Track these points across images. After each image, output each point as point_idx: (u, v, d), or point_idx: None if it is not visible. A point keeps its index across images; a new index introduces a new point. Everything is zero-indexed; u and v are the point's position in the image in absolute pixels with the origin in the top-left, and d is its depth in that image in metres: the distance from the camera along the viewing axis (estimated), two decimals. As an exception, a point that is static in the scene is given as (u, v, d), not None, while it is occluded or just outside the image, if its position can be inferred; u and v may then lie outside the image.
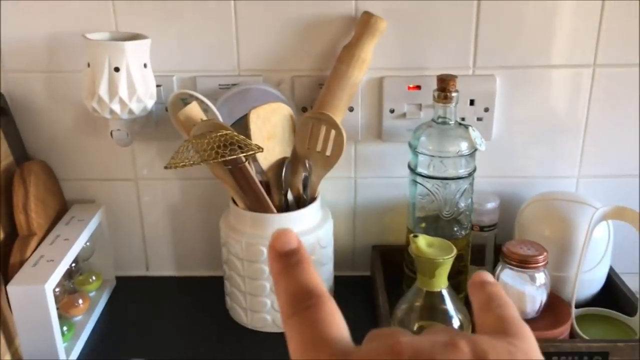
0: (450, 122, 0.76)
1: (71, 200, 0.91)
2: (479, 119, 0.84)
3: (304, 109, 0.85)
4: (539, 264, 0.72)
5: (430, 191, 0.77)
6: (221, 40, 0.82)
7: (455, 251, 0.68)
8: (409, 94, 0.83)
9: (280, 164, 0.78)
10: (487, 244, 0.85)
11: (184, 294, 0.92)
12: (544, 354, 0.32)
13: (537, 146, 0.87)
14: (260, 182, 0.76)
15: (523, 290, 0.73)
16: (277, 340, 0.80)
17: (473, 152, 0.76)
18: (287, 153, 0.79)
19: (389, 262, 0.88)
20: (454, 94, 0.75)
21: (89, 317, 0.83)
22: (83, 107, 0.78)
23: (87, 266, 0.89)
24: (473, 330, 0.73)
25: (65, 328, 0.77)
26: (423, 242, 0.69)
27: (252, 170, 0.75)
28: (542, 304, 0.74)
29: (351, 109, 0.84)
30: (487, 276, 0.31)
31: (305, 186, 0.80)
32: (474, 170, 0.78)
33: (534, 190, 0.86)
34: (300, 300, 0.26)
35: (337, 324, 0.26)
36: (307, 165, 0.78)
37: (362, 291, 0.89)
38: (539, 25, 0.80)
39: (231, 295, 0.83)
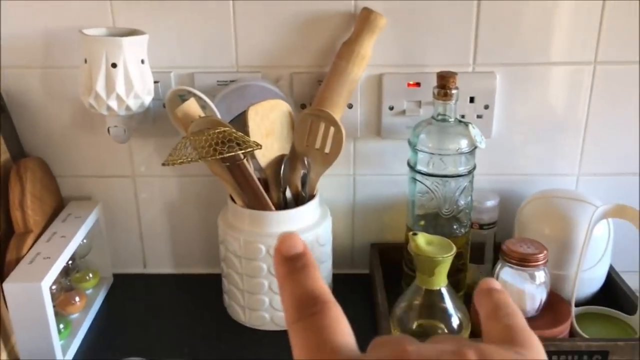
0: (450, 120, 0.76)
1: (68, 197, 0.90)
2: (479, 117, 0.84)
3: (303, 106, 0.84)
4: (539, 262, 0.71)
5: (429, 189, 0.77)
6: (219, 36, 0.81)
7: (454, 249, 0.67)
8: (409, 91, 0.83)
9: (278, 161, 0.78)
10: (487, 242, 0.85)
11: (182, 291, 0.92)
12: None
13: (537, 144, 0.87)
14: (259, 179, 0.76)
15: (523, 288, 0.72)
16: (275, 338, 0.79)
17: (473, 149, 0.76)
18: (286, 150, 0.79)
19: (388, 260, 0.87)
20: (453, 91, 0.74)
21: (85, 314, 0.83)
22: (80, 103, 0.77)
23: (84, 263, 0.89)
24: (472, 329, 0.73)
25: (61, 326, 0.77)
26: (422, 240, 0.68)
27: (250, 168, 0.75)
28: (542, 303, 0.73)
29: (350, 106, 0.84)
30: (494, 283, 0.31)
31: (303, 183, 0.80)
32: (474, 167, 0.77)
33: (534, 188, 0.86)
34: (305, 305, 0.26)
35: (343, 331, 0.26)
36: (306, 162, 0.78)
37: (361, 289, 0.89)
38: (540, 22, 0.80)
39: (229, 293, 0.82)
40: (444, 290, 0.69)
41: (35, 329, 0.70)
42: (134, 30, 0.77)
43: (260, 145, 0.72)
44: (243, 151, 0.71)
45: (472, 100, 0.83)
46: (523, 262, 0.71)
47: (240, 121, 0.75)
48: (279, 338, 0.79)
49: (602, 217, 0.77)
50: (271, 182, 0.79)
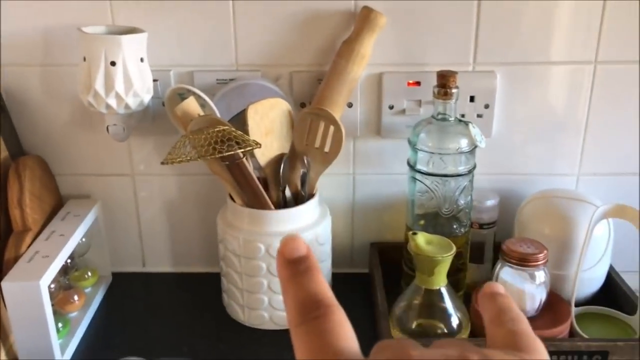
0: (450, 119, 0.76)
1: (67, 196, 0.90)
2: (479, 116, 0.83)
3: (303, 105, 0.84)
4: (539, 262, 0.71)
5: (429, 188, 0.77)
6: (219, 34, 0.81)
7: (454, 249, 0.67)
8: (409, 90, 0.83)
9: (278, 160, 0.78)
10: (487, 241, 0.85)
11: (181, 290, 0.91)
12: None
13: (537, 143, 0.86)
14: (258, 178, 0.76)
15: (522, 288, 0.72)
16: (274, 337, 0.79)
17: (473, 149, 0.76)
18: (285, 149, 0.79)
19: (388, 260, 0.87)
20: (454, 91, 0.74)
21: (84, 313, 0.82)
22: (79, 101, 0.77)
23: (83, 262, 0.89)
24: (472, 329, 0.73)
25: (60, 324, 0.76)
26: (422, 239, 0.68)
27: (249, 166, 0.75)
28: (542, 303, 0.73)
29: (350, 105, 0.84)
30: (498, 287, 0.31)
31: (303, 182, 0.79)
32: (474, 167, 0.77)
33: (534, 188, 0.86)
34: (308, 309, 0.26)
35: (346, 335, 0.25)
36: (306, 161, 0.78)
37: (361, 288, 0.89)
38: (541, 21, 0.80)
39: (228, 292, 0.82)
40: (444, 290, 0.69)
41: (34, 328, 0.70)
42: (133, 28, 0.77)
43: (260, 144, 0.72)
44: (242, 150, 0.71)
45: (472, 99, 0.83)
46: (523, 262, 0.71)
47: (240, 120, 0.75)
48: (278, 337, 0.79)
49: (602, 217, 0.76)
50: (270, 181, 0.78)
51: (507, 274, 0.73)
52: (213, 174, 0.76)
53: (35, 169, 0.82)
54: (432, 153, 0.75)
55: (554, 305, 0.75)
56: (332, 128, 0.74)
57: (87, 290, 0.87)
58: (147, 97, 0.77)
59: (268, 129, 0.76)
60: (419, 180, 0.77)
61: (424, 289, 0.69)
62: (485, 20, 0.79)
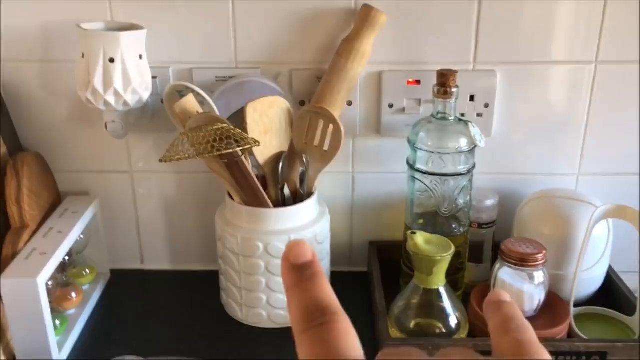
0: (450, 118, 0.75)
1: (65, 192, 0.90)
2: (479, 115, 0.83)
3: (302, 103, 0.84)
4: (538, 262, 0.71)
5: (428, 187, 0.77)
6: (218, 31, 0.81)
7: (453, 249, 0.67)
8: (409, 88, 0.82)
9: (277, 158, 0.78)
10: (486, 241, 0.85)
11: (179, 288, 0.91)
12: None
13: (537, 143, 0.86)
14: (257, 176, 0.76)
15: (521, 288, 0.72)
16: (272, 336, 0.79)
17: (472, 148, 0.75)
18: (284, 147, 0.79)
19: (387, 259, 0.87)
20: (454, 90, 0.74)
21: (82, 310, 0.82)
22: (78, 98, 0.77)
23: (81, 259, 0.88)
24: (470, 329, 0.72)
25: (58, 322, 0.76)
26: (421, 239, 0.68)
27: (248, 165, 0.75)
28: (541, 303, 0.73)
29: (350, 103, 0.83)
30: (504, 296, 0.30)
31: (302, 181, 0.79)
32: (473, 166, 0.77)
33: (534, 188, 0.85)
34: (313, 316, 0.26)
35: (351, 343, 0.25)
36: (305, 159, 0.78)
37: (359, 287, 0.89)
38: (541, 21, 0.79)
39: (227, 290, 0.82)
40: (442, 290, 0.69)
41: (31, 325, 0.70)
42: (132, 25, 0.77)
43: (259, 142, 0.72)
44: (241, 148, 0.71)
45: (472, 98, 0.82)
46: (522, 262, 0.71)
47: (239, 117, 0.75)
48: (276, 336, 0.79)
49: (601, 218, 0.76)
50: (269, 179, 0.78)
51: (506, 274, 0.73)
52: (212, 171, 0.76)
53: (33, 166, 0.82)
54: (432, 152, 0.75)
55: (552, 306, 0.75)
56: (331, 126, 0.74)
57: (85, 287, 0.87)
58: (145, 94, 0.76)
59: (267, 127, 0.76)
60: (418, 180, 0.77)
61: (423, 288, 0.69)
62: (485, 19, 0.79)
